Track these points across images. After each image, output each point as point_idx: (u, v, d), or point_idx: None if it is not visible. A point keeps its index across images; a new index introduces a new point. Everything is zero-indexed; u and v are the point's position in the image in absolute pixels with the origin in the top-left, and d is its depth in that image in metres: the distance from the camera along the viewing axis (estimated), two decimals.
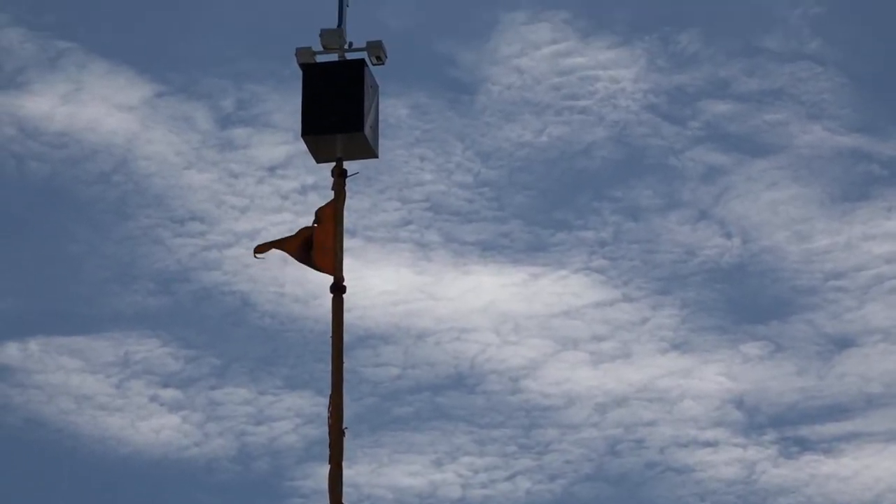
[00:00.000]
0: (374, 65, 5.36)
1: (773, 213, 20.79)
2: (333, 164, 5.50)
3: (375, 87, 5.51)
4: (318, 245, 5.33)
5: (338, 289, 5.22)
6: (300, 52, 5.48)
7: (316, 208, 5.40)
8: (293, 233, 5.52)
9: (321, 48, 5.34)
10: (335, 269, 5.26)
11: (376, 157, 5.67)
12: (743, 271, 20.92)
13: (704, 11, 22.73)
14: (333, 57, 5.39)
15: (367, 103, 5.44)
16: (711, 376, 20.06)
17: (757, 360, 19.95)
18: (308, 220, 5.37)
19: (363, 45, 5.34)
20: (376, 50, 5.35)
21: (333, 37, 5.43)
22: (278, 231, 5.60)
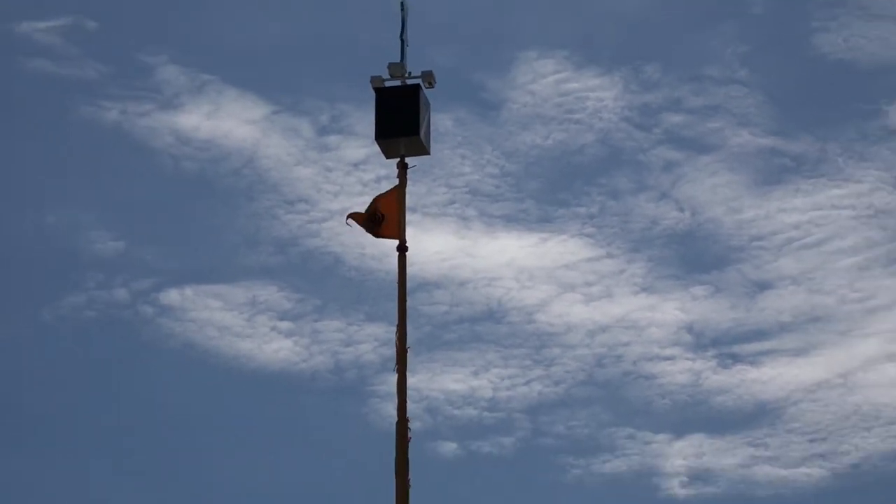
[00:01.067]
0: (426, 88, 7.28)
1: (714, 193, 28.45)
2: (398, 159, 7.45)
3: (427, 104, 7.41)
4: (392, 219, 7.31)
5: (402, 249, 7.20)
6: (374, 79, 7.40)
7: (386, 193, 7.40)
8: (372, 214, 7.57)
9: (389, 76, 7.26)
10: (400, 235, 7.21)
11: (429, 154, 7.62)
12: (692, 236, 28.53)
13: (663, 49, 30.51)
14: (397, 82, 7.29)
15: (421, 116, 7.31)
16: (670, 310, 27.76)
17: (702, 298, 27.79)
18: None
19: (419, 74, 7.26)
20: (428, 77, 7.28)
21: (397, 68, 7.34)
22: (360, 209, 7.44)
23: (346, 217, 7.70)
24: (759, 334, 27.48)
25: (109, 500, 24.97)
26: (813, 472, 26.09)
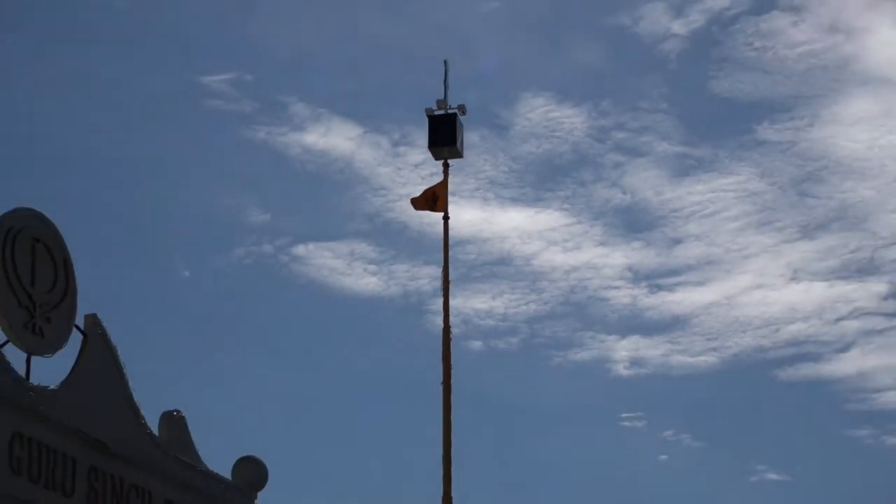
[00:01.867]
0: (461, 116, 11.40)
1: (646, 181, 44.12)
2: (443, 161, 11.63)
3: (461, 126, 11.60)
4: (440, 200, 11.46)
5: (446, 219, 11.45)
6: (427, 110, 11.75)
7: (436, 184, 11.46)
8: (428, 198, 11.66)
9: (436, 108, 11.46)
10: (445, 210, 11.27)
11: (462, 157, 11.83)
12: (632, 209, 45.11)
13: (613, 90, 47.83)
14: (442, 112, 11.52)
15: (457, 133, 11.37)
16: (618, 257, 44.63)
17: (638, 249, 44.82)
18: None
19: (456, 106, 11.39)
20: (462, 108, 11.55)
21: (442, 103, 11.63)
22: (417, 194, 11.94)
23: (410, 200, 11.90)
24: (675, 272, 44.34)
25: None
26: (709, 359, 43.73)
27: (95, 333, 11.65)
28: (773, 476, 42.95)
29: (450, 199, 10.99)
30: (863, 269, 44.07)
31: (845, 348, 43.68)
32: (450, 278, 10.91)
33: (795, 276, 44.56)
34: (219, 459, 14.34)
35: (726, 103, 45.90)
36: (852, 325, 43.71)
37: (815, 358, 43.82)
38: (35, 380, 10.80)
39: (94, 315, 11.71)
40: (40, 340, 10.80)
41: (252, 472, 14.89)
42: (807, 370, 44.06)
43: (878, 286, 43.56)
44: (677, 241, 45.02)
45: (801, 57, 43.81)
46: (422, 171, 35.74)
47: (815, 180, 44.09)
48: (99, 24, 45.89)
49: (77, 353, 11.59)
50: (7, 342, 10.37)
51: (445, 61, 11.00)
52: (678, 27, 44.40)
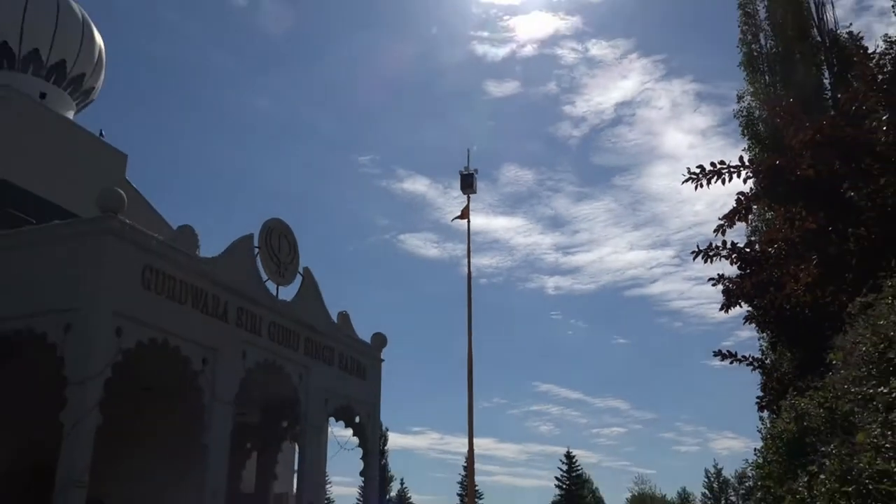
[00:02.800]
0: (475, 174, 20.24)
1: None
2: (467, 196, 20.45)
3: (476, 178, 20.34)
4: (465, 213, 20.22)
5: (468, 221, 20.17)
6: (461, 171, 20.46)
7: (461, 209, 20.28)
8: (461, 213, 20.33)
9: (465, 170, 20.25)
10: (468, 218, 20.15)
11: (476, 193, 20.68)
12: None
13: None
14: (466, 171, 20.23)
15: (474, 182, 20.23)
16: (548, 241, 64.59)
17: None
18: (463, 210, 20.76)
19: (473, 169, 20.25)
20: (475, 171, 20.30)
21: (466, 168, 20.29)
22: (457, 213, 20.60)
23: (453, 217, 20.76)
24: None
25: None
26: None
27: (309, 277, 20.36)
28: None
29: (472, 214, 20.27)
30: None
31: None
32: (471, 249, 20.11)
33: None
34: (364, 335, 23.03)
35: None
36: None
37: None
38: (281, 297, 18.76)
39: (308, 268, 19.90)
40: (281, 279, 18.64)
41: (379, 339, 23.65)
42: None
43: None
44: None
45: None
46: (458, 200, 55.43)
47: None
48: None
49: (299, 285, 19.61)
50: (268, 280, 18.29)
51: (468, 150, 20.12)
52: None
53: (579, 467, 78.92)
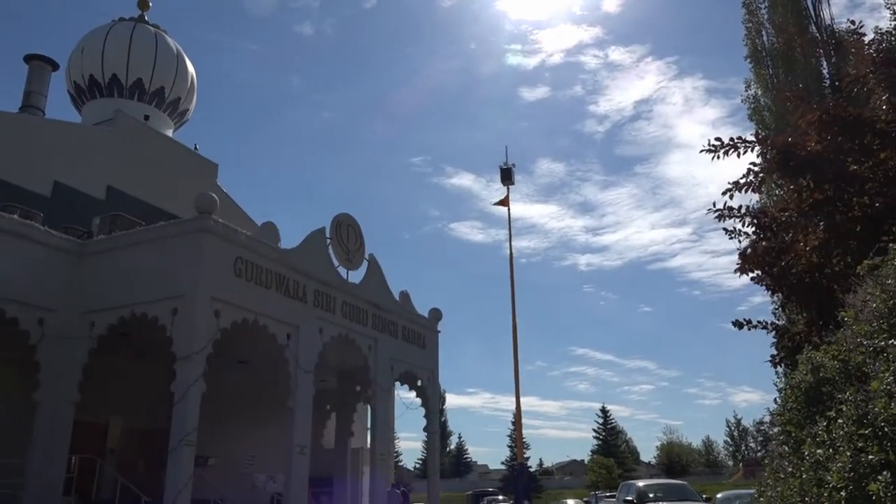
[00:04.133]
0: (513, 168, 19.95)
1: None
2: (507, 187, 20.13)
3: (514, 171, 20.05)
4: (506, 202, 19.96)
5: (508, 208, 19.92)
6: (501, 164, 20.16)
7: (504, 196, 20.00)
8: (501, 201, 20.05)
9: (504, 164, 19.97)
10: (508, 205, 19.92)
11: (514, 185, 20.31)
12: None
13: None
14: (506, 166, 19.92)
15: (513, 174, 19.89)
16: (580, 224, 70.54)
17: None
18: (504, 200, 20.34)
19: (512, 164, 19.94)
20: (512, 167, 19.92)
21: (505, 163, 19.95)
22: (498, 199, 20.16)
23: (495, 203, 20.50)
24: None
25: None
26: None
27: (374, 262, 20.51)
28: None
29: (512, 204, 19.93)
30: None
31: None
32: (512, 232, 19.81)
33: None
34: (422, 310, 23.13)
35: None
36: None
37: None
38: (350, 280, 18.78)
39: (372, 254, 19.99)
40: (350, 264, 18.65)
41: (435, 313, 23.71)
42: None
43: None
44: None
45: None
46: (499, 192, 53.61)
47: None
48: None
49: (365, 269, 19.65)
50: (339, 265, 18.93)
51: (506, 147, 19.78)
52: None
53: (614, 420, 78.16)
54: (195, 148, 27.28)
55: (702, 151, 7.80)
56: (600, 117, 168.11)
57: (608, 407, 78.92)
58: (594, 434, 77.50)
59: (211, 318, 13.57)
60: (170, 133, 27.49)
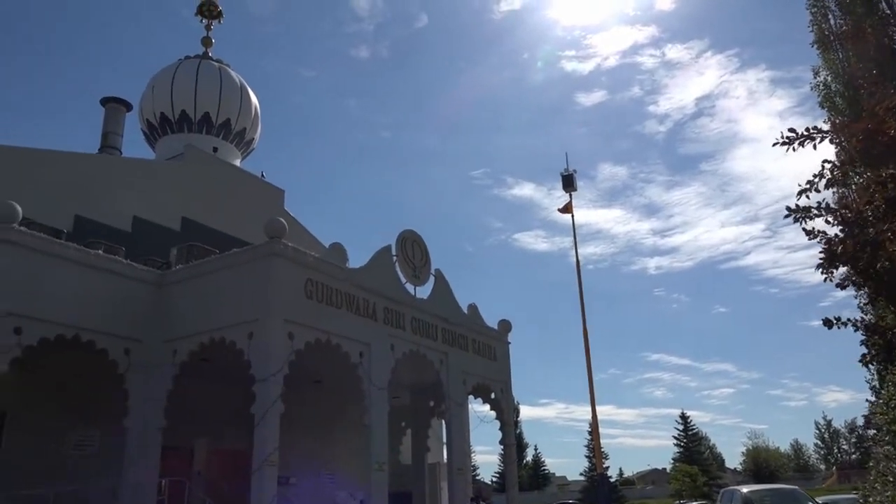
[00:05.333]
0: (574, 174, 19.63)
1: None
2: (569, 193, 19.89)
3: (576, 177, 19.73)
4: (569, 208, 19.71)
5: (572, 215, 19.71)
6: (562, 172, 19.86)
7: (567, 202, 19.73)
8: (563, 207, 19.82)
9: (565, 171, 19.70)
10: (572, 212, 19.68)
11: (576, 191, 20.02)
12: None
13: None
14: (567, 173, 19.67)
15: (574, 181, 19.59)
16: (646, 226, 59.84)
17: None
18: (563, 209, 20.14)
19: (573, 170, 19.65)
20: (573, 173, 19.63)
21: (567, 172, 19.68)
22: (559, 206, 19.92)
23: (558, 209, 20.24)
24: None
25: None
26: None
27: (440, 277, 20.44)
28: None
29: (576, 211, 19.65)
30: None
31: None
32: (577, 240, 19.52)
33: None
34: (491, 322, 23.01)
35: None
36: None
37: None
38: (418, 296, 18.82)
39: (439, 269, 19.97)
40: (417, 280, 18.72)
41: (505, 325, 23.51)
42: None
43: None
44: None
45: None
46: (561, 199, 52.96)
47: None
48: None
49: (432, 284, 19.62)
50: (406, 282, 18.39)
51: (566, 153, 19.58)
52: None
53: (694, 426, 75.63)
54: (262, 175, 28.12)
55: (775, 144, 7.46)
56: (661, 117, 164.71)
57: (687, 413, 76.52)
58: (675, 441, 75.24)
59: (285, 339, 13.88)
60: (237, 163, 28.43)
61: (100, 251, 15.44)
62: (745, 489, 17.51)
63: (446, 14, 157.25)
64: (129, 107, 28.10)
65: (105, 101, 27.70)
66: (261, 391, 13.21)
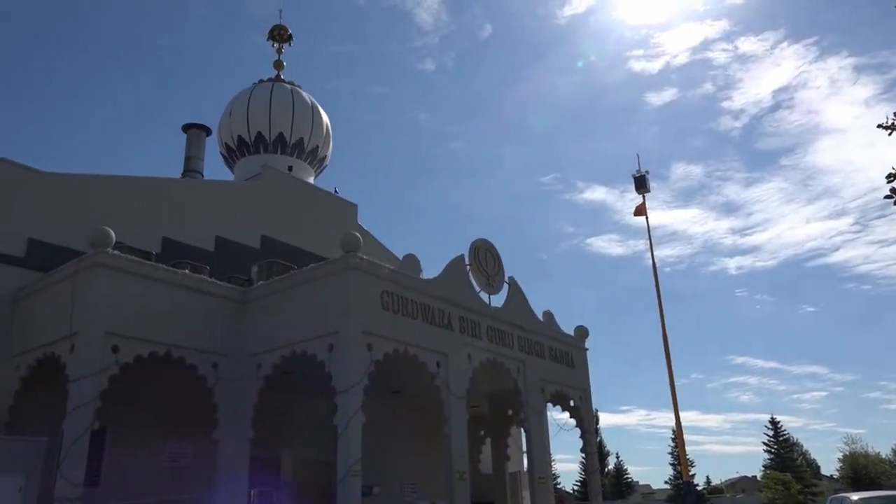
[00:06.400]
0: (647, 175, 19.17)
1: None
2: (642, 195, 19.43)
3: (648, 178, 19.30)
4: (642, 209, 19.33)
5: (646, 217, 19.23)
6: (632, 173, 19.44)
7: (640, 204, 19.31)
8: (637, 210, 19.41)
9: (637, 172, 19.24)
10: (646, 213, 19.23)
11: (649, 192, 19.54)
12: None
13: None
14: (639, 174, 19.27)
15: (647, 182, 19.19)
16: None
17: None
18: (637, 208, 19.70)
19: (646, 171, 19.29)
20: (646, 174, 19.20)
21: (640, 173, 19.25)
22: (633, 207, 19.55)
23: (633, 212, 19.84)
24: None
25: None
26: None
27: (514, 285, 20.30)
28: None
29: (647, 210, 19.20)
30: None
31: None
32: (652, 241, 19.03)
33: None
34: (567, 329, 22.98)
35: None
36: None
37: None
38: (493, 304, 18.87)
39: (512, 276, 19.94)
40: (491, 289, 18.74)
41: (582, 331, 23.17)
42: None
43: None
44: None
45: None
46: (634, 201, 53.50)
47: None
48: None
49: (507, 293, 19.63)
50: (480, 291, 18.41)
51: (637, 154, 19.16)
52: None
53: (785, 432, 72.18)
54: (335, 191, 28.75)
55: (879, 126, 7.17)
56: (736, 112, 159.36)
57: (777, 417, 73.24)
58: (765, 447, 72.03)
59: (364, 351, 14.10)
60: (311, 180, 29.17)
61: (186, 270, 16.12)
62: (855, 496, 16.48)
63: (510, 22, 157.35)
64: (208, 131, 29.30)
65: (187, 128, 28.97)
66: (342, 402, 13.44)
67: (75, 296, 13.81)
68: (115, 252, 14.31)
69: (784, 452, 70.50)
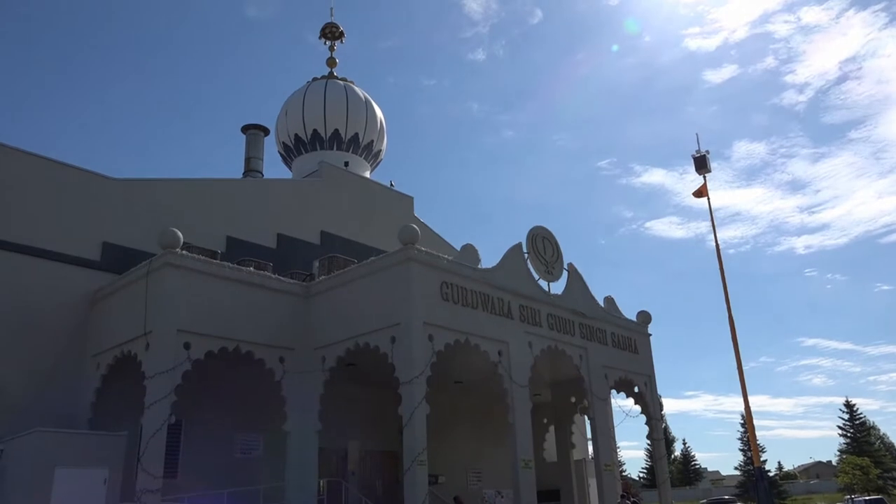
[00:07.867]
0: (707, 154, 18.54)
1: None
2: (703, 175, 18.86)
3: (709, 158, 18.71)
4: (703, 190, 18.77)
5: (708, 198, 18.67)
6: (692, 154, 18.80)
7: (701, 185, 18.73)
8: (698, 191, 18.85)
9: (697, 153, 18.61)
10: (707, 194, 18.65)
11: (711, 172, 19.00)
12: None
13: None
14: (699, 154, 18.61)
15: (708, 162, 18.71)
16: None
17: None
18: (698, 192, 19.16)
19: (706, 151, 18.59)
20: (706, 154, 18.55)
21: (699, 151, 18.63)
22: (693, 189, 18.95)
23: (692, 193, 19.24)
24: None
25: None
26: None
27: (574, 271, 20.19)
28: None
29: (708, 191, 18.57)
30: None
31: None
32: (714, 222, 18.42)
33: None
34: (629, 314, 22.62)
35: None
36: None
37: None
38: (552, 291, 18.72)
39: (571, 263, 19.71)
40: (550, 276, 18.54)
41: (644, 316, 22.75)
42: None
43: None
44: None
45: None
46: (694, 183, 51.19)
47: None
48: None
49: (566, 279, 19.47)
50: (539, 278, 18.23)
51: (697, 134, 18.54)
52: None
53: (861, 415, 69.38)
54: (391, 184, 28.94)
55: None
56: (800, 86, 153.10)
57: (852, 400, 70.55)
58: (840, 431, 69.40)
59: (426, 342, 14.18)
60: (367, 174, 29.45)
61: (251, 268, 16.50)
62: None
63: (561, 6, 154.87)
64: (266, 131, 29.88)
65: (246, 129, 29.62)
66: (406, 393, 13.56)
67: (148, 296, 14.32)
68: (184, 252, 14.75)
69: (861, 436, 67.76)
